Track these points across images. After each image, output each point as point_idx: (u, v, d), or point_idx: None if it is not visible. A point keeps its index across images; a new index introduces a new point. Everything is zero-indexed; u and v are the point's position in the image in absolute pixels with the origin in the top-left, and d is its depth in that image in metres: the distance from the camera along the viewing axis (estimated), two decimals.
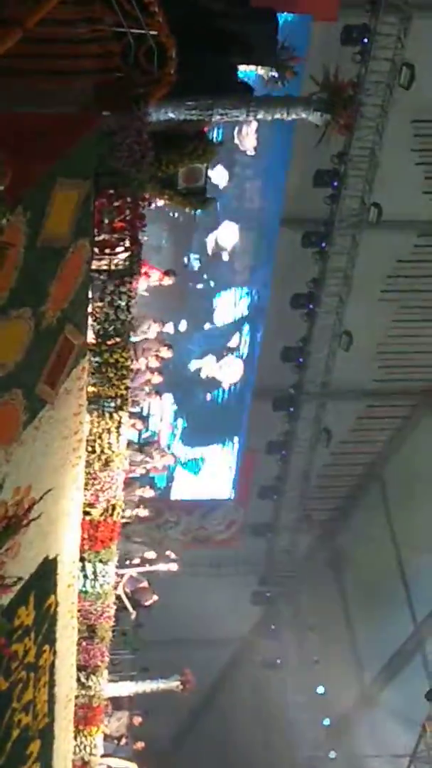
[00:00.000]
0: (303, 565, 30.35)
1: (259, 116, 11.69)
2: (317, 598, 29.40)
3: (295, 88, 12.84)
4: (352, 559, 29.18)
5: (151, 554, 18.08)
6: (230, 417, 26.25)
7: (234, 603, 28.08)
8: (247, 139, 21.42)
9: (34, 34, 7.29)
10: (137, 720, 20.89)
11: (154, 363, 16.64)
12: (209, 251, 23.49)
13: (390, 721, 25.94)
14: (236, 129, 20.71)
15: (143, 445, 18.09)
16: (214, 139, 12.72)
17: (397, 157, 21.83)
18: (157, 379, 17.04)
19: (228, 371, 25.23)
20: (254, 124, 19.95)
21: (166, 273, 17.28)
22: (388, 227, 22.82)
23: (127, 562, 17.43)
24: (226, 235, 23.12)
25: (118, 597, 16.44)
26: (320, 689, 28.16)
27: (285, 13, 16.73)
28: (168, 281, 17.12)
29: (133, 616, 19.14)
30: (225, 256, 23.60)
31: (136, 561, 17.97)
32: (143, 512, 17.86)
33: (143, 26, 9.30)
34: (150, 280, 16.20)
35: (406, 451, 27.43)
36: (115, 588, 15.45)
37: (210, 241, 23.17)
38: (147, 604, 19.03)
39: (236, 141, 21.43)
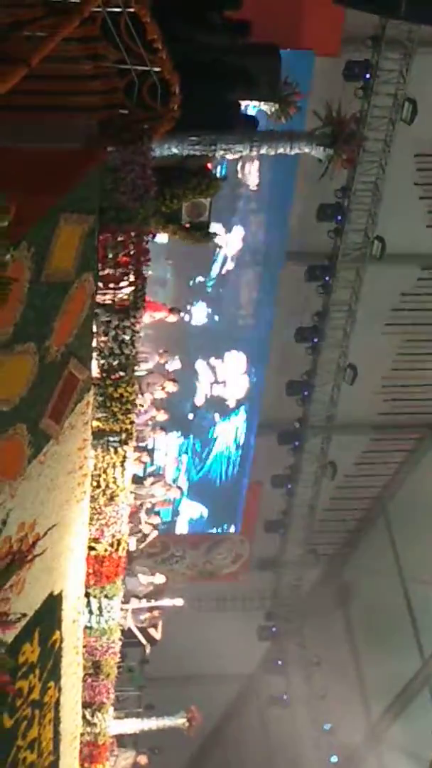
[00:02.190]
0: (309, 600, 30.19)
1: (263, 151, 11.74)
2: (324, 633, 29.22)
3: (299, 123, 12.93)
4: (359, 593, 29.04)
5: (160, 578, 17.95)
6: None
7: (240, 638, 27.91)
8: (251, 175, 21.52)
9: (38, 71, 7.32)
10: (142, 758, 20.69)
11: (160, 395, 16.64)
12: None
13: (398, 758, 25.70)
14: (240, 164, 20.80)
15: (146, 477, 18.08)
16: (218, 175, 12.79)
17: (400, 191, 21.92)
18: (162, 416, 17.05)
19: (233, 387, 25.06)
20: (257, 160, 20.05)
21: (171, 310, 17.33)
22: (391, 261, 22.88)
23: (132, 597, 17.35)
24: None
25: (130, 631, 16.36)
26: (327, 725, 27.93)
27: (287, 49, 16.84)
28: (173, 319, 17.15)
29: (148, 651, 18.96)
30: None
31: (142, 595, 17.88)
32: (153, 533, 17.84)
33: (146, 62, 9.36)
34: (154, 316, 16.25)
35: (412, 484, 27.36)
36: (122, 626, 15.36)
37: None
38: (158, 631, 18.84)
39: (239, 176, 21.53)
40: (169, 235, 12.34)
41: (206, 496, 26.58)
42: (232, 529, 27.00)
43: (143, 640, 18.12)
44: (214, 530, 27.34)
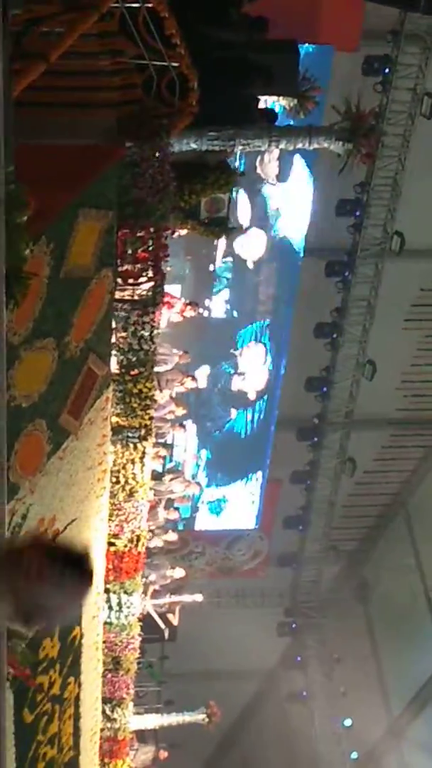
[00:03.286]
0: (329, 596, 30.15)
1: (281, 146, 11.73)
2: (343, 629, 29.17)
3: (317, 117, 12.91)
4: (379, 589, 28.97)
5: (179, 572, 17.96)
6: (254, 450, 26.13)
7: (259, 634, 27.88)
8: (270, 168, 21.45)
9: (57, 67, 7.33)
10: (163, 754, 20.71)
11: (179, 389, 16.61)
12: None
13: (419, 754, 25.64)
14: (258, 159, 20.74)
15: (164, 473, 18.06)
16: (237, 170, 12.77)
17: (420, 186, 21.81)
18: (180, 411, 17.03)
19: (253, 379, 24.90)
20: (276, 153, 19.96)
21: (189, 304, 17.30)
22: (410, 256, 22.78)
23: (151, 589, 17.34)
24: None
25: (148, 626, 16.36)
26: (347, 722, 27.90)
27: (306, 44, 16.80)
28: (191, 313, 17.13)
29: (166, 635, 18.91)
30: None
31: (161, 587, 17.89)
32: (172, 536, 17.83)
33: (165, 58, 9.36)
34: (172, 311, 16.21)
35: (431, 479, 27.27)
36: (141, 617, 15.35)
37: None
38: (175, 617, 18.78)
39: (258, 171, 21.47)
40: (188, 230, 12.34)
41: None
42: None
43: (162, 624, 18.08)
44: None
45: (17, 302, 6.24)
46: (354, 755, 27.89)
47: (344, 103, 11.72)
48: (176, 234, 12.12)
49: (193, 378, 17.18)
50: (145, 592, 15.63)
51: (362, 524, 29.16)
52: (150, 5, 8.82)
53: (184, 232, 12.52)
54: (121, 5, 8.60)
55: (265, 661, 29.94)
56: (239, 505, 26.87)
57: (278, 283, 23.70)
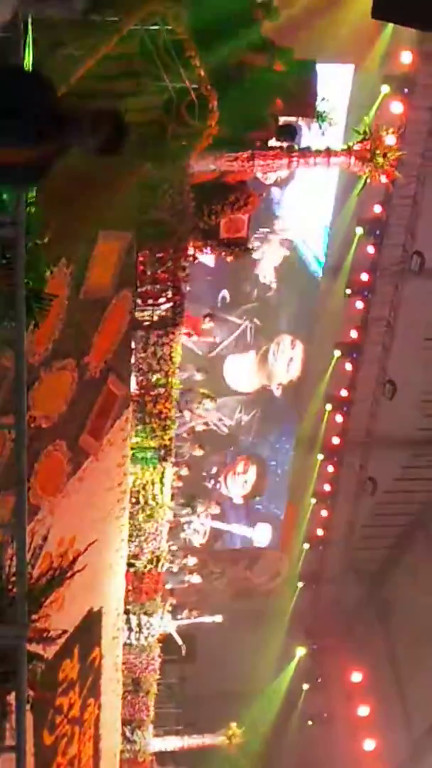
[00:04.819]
0: (350, 616, 29.97)
1: (301, 166, 11.74)
2: (364, 650, 28.98)
3: (336, 137, 12.92)
4: (400, 609, 28.77)
5: (196, 578, 17.96)
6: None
7: (279, 655, 27.74)
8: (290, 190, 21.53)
9: (77, 90, 7.36)
10: None
11: (199, 411, 16.63)
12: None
13: None
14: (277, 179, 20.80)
15: (189, 496, 18.06)
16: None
17: None
18: (200, 427, 17.03)
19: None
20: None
21: (205, 316, 17.28)
22: (430, 275, 22.74)
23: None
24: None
25: (168, 648, 16.32)
26: (370, 744, 27.67)
27: (326, 63, 16.84)
28: (208, 325, 17.12)
29: (184, 652, 18.85)
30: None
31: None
32: (192, 560, 17.84)
33: (184, 80, 9.39)
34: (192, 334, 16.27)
35: None
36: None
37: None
38: None
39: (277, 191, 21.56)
40: (208, 251, 12.35)
41: None
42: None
43: (179, 641, 18.02)
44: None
45: (37, 323, 6.25)
46: None
47: (363, 123, 11.74)
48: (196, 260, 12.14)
49: (213, 399, 17.19)
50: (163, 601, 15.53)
51: (383, 544, 28.99)
52: (169, 27, 8.86)
53: (210, 257, 12.54)
54: (141, 27, 8.64)
55: (285, 682, 29.77)
56: (260, 524, 26.87)
57: (298, 301, 23.77)
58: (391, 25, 17.69)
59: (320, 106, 12.14)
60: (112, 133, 5.21)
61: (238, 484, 25.28)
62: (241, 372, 23.86)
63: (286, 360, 24.09)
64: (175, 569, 17.12)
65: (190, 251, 11.44)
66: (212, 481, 24.37)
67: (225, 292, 23.08)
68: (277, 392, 24.64)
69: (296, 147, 11.77)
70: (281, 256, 22.89)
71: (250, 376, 24.09)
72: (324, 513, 27.43)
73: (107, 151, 5.26)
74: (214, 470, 24.04)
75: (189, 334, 16.08)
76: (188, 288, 11.62)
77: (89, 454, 9.97)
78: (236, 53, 10.98)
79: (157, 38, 8.91)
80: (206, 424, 17.62)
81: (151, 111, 9.74)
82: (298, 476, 26.33)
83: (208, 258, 13.91)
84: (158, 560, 13.39)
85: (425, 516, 27.95)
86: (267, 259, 22.65)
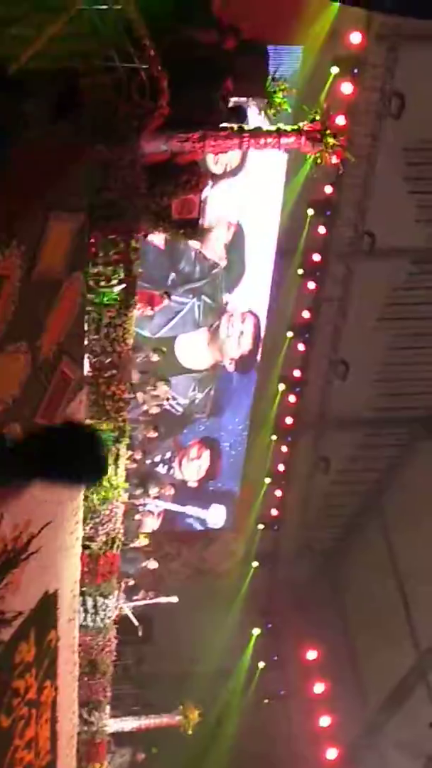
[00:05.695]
0: (305, 595, 30.17)
1: (251, 147, 11.76)
2: (319, 628, 29.20)
3: (287, 118, 12.93)
4: (354, 587, 29.03)
5: (153, 564, 18.03)
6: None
7: (235, 635, 27.89)
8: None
9: (26, 70, 7.32)
10: (140, 756, 20.70)
11: (153, 394, 16.65)
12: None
13: (396, 753, 25.71)
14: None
15: (143, 478, 18.09)
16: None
17: (390, 186, 21.88)
18: (155, 410, 17.05)
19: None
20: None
21: (161, 295, 17.27)
22: (382, 256, 22.85)
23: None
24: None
25: (123, 629, 16.36)
26: (325, 720, 27.93)
27: (275, 45, 16.82)
28: (165, 303, 17.13)
29: (140, 633, 18.93)
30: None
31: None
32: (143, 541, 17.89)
33: (134, 60, 9.37)
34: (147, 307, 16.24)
35: (405, 478, 27.34)
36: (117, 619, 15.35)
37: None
38: None
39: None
40: (159, 232, 12.35)
41: None
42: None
43: (136, 622, 18.08)
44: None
45: None
46: (331, 754, 27.93)
47: (313, 103, 11.78)
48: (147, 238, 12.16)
49: (167, 381, 17.22)
50: (119, 583, 15.58)
51: (337, 523, 29.20)
52: (119, 7, 8.82)
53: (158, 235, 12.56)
54: (91, 7, 8.60)
55: (242, 661, 29.93)
56: (214, 506, 26.91)
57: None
58: (337, 5, 17.70)
59: (270, 85, 12.17)
60: (64, 94, 5.28)
61: (192, 469, 25.28)
62: (194, 349, 23.77)
63: (237, 334, 24.04)
64: (130, 555, 17.20)
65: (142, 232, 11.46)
66: (166, 466, 24.35)
67: (173, 273, 22.99)
68: (230, 367, 24.59)
69: (246, 128, 11.80)
70: (231, 234, 22.81)
71: (202, 352, 24.00)
72: (278, 493, 27.55)
73: (61, 113, 5.35)
74: (168, 455, 24.00)
75: (146, 307, 16.09)
76: (140, 269, 11.62)
77: None
78: (186, 32, 10.98)
79: (107, 18, 8.87)
80: (160, 406, 17.66)
81: (102, 91, 9.70)
82: (252, 457, 26.42)
83: (157, 238, 13.89)
84: (113, 542, 13.42)
85: (378, 495, 28.18)
86: (216, 237, 22.54)
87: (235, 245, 22.66)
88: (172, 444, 24.11)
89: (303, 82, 18.23)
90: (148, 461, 19.47)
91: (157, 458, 23.01)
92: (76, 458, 5.28)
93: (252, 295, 23.78)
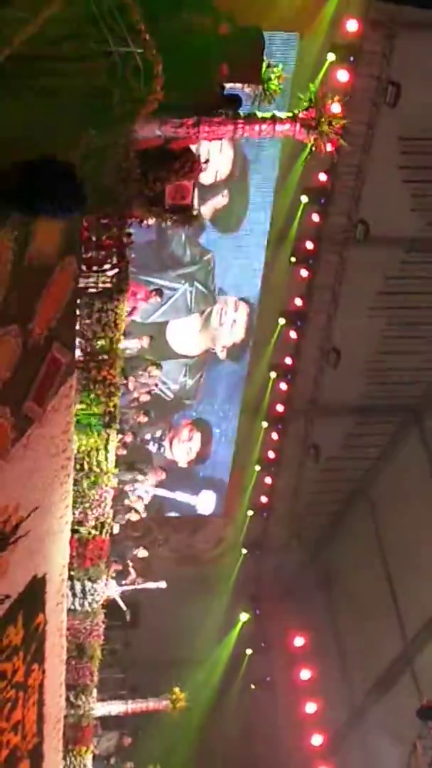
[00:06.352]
0: (293, 582, 30.26)
1: (246, 134, 11.73)
2: (307, 615, 29.29)
3: (282, 105, 12.90)
4: (342, 575, 29.12)
5: (143, 553, 18.08)
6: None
7: (223, 621, 27.97)
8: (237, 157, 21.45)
9: (20, 53, 7.29)
10: (127, 740, 20.77)
11: (144, 378, 16.67)
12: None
13: (382, 740, 25.82)
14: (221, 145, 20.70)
15: (133, 463, 18.10)
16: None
17: (384, 174, 21.87)
18: (145, 397, 17.06)
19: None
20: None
21: (153, 292, 17.31)
22: (375, 244, 22.85)
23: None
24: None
25: (111, 613, 16.39)
26: (311, 707, 28.05)
27: (271, 31, 16.78)
28: (156, 300, 17.15)
29: (128, 617, 18.98)
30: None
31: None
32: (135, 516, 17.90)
33: (129, 44, 9.32)
34: (138, 297, 16.23)
35: (395, 467, 27.41)
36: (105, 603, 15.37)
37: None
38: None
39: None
40: (153, 217, 12.32)
41: None
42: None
43: (124, 606, 18.12)
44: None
45: None
46: (317, 740, 28.05)
47: (309, 91, 11.74)
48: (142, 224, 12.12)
49: (158, 366, 17.22)
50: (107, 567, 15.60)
51: (327, 510, 29.25)
52: None
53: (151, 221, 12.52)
54: None
55: (229, 647, 30.02)
56: (204, 492, 26.96)
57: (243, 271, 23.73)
58: None
59: (266, 72, 12.12)
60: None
61: (182, 450, 25.32)
62: (185, 335, 23.78)
63: (230, 322, 24.06)
64: (119, 539, 17.22)
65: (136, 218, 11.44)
66: (157, 445, 24.36)
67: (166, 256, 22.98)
68: (222, 355, 24.62)
69: (241, 114, 11.77)
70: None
71: (194, 338, 24.01)
72: (268, 480, 27.60)
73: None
74: (158, 433, 24.03)
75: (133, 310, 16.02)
76: (133, 255, 11.60)
77: (33, 420, 9.94)
78: (182, 17, 10.94)
79: (101, 2, 8.83)
80: (149, 393, 17.66)
81: (96, 76, 9.66)
82: (243, 443, 26.46)
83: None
84: (102, 526, 13.44)
85: (367, 483, 28.25)
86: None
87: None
88: (163, 424, 24.17)
89: (298, 68, 18.22)
90: (138, 439, 19.46)
91: (147, 436, 23.02)
92: (55, 189, 5.25)
93: (245, 283, 23.84)
